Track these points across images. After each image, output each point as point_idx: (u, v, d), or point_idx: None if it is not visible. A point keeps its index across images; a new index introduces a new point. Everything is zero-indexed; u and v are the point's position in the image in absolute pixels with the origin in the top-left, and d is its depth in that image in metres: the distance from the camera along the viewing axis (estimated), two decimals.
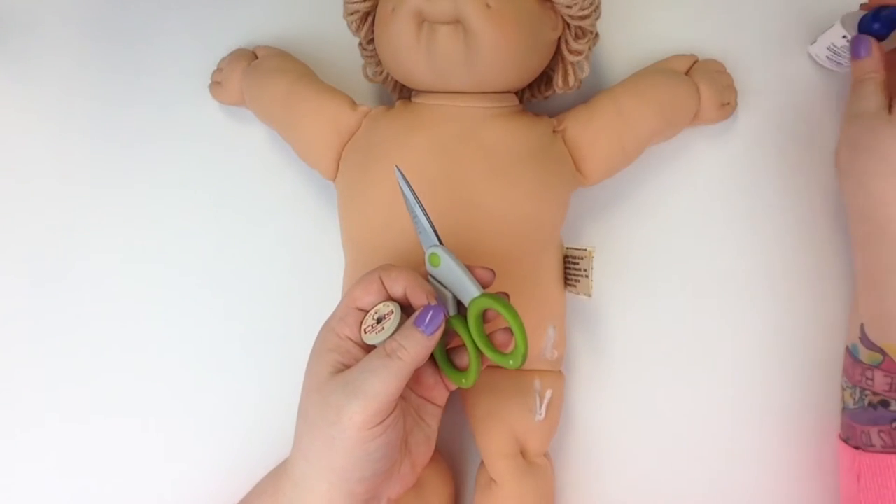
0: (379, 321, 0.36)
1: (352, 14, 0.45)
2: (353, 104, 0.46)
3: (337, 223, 0.46)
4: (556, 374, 0.46)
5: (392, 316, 0.35)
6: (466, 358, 0.38)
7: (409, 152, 0.42)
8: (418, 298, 0.35)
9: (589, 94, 0.48)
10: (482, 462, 0.44)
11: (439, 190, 0.41)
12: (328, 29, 0.51)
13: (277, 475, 0.39)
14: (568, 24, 0.44)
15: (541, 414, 0.40)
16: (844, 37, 0.49)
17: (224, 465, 0.49)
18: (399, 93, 0.50)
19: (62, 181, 0.53)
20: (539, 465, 0.44)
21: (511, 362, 0.36)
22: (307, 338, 0.49)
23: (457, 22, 0.39)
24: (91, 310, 0.51)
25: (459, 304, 0.37)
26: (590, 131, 0.45)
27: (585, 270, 0.42)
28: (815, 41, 0.53)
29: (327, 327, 0.37)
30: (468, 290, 0.36)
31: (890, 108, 0.42)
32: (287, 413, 0.49)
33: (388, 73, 0.48)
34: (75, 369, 0.50)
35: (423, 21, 0.40)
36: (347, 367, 0.35)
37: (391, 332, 0.35)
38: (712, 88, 0.49)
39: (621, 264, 0.50)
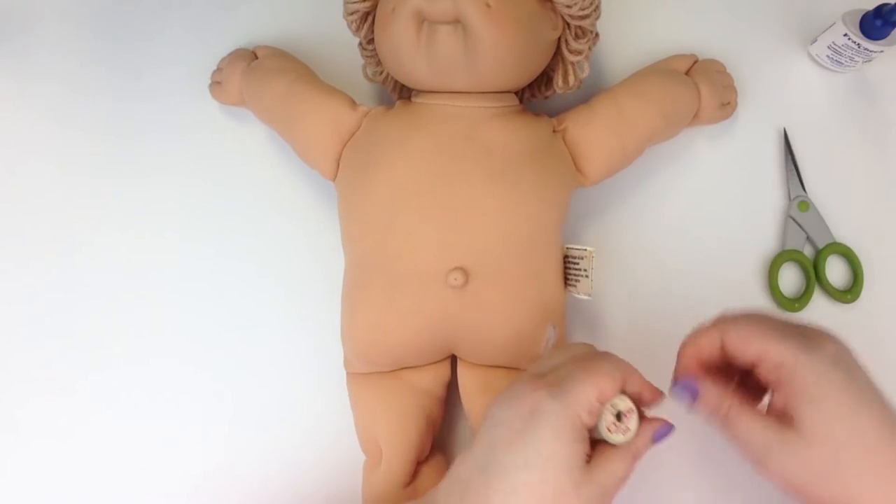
0: (619, 417, 0.33)
1: (352, 14, 0.45)
2: (353, 104, 0.46)
3: (337, 223, 0.46)
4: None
5: (632, 415, 0.33)
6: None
7: (409, 152, 0.42)
8: (651, 398, 0.34)
9: (589, 94, 0.48)
10: None
11: (439, 190, 0.41)
12: (328, 29, 0.51)
13: None
14: (568, 24, 0.44)
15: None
16: (846, 35, 0.49)
17: (224, 466, 0.49)
18: (399, 93, 0.50)
19: (62, 180, 0.53)
20: None
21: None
22: (307, 337, 0.49)
23: (457, 22, 0.39)
24: (90, 309, 0.51)
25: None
26: (590, 131, 0.45)
27: (585, 270, 0.42)
28: (815, 40, 0.53)
29: (573, 412, 0.31)
30: None
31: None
32: (287, 412, 0.49)
33: (388, 73, 0.48)
34: (73, 366, 0.50)
35: (423, 21, 0.40)
36: (588, 457, 0.32)
37: (635, 431, 0.33)
38: (712, 88, 0.49)
39: (621, 264, 0.50)
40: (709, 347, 0.35)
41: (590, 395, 0.32)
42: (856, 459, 0.31)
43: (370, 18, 0.45)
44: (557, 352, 0.36)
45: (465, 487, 0.32)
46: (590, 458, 0.32)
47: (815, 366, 0.32)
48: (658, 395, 0.34)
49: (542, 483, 0.30)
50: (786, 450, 0.32)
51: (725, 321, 0.35)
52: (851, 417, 0.32)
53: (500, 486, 0.31)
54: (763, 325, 0.34)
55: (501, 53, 0.41)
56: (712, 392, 0.34)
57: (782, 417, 0.33)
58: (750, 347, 0.33)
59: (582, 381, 0.32)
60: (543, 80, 0.48)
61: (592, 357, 0.34)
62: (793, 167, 0.52)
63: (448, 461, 0.46)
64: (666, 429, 0.34)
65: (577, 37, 0.44)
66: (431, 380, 0.45)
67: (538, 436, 0.31)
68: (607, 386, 0.32)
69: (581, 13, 0.42)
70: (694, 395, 0.35)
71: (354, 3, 0.44)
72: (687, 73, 0.50)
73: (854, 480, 0.31)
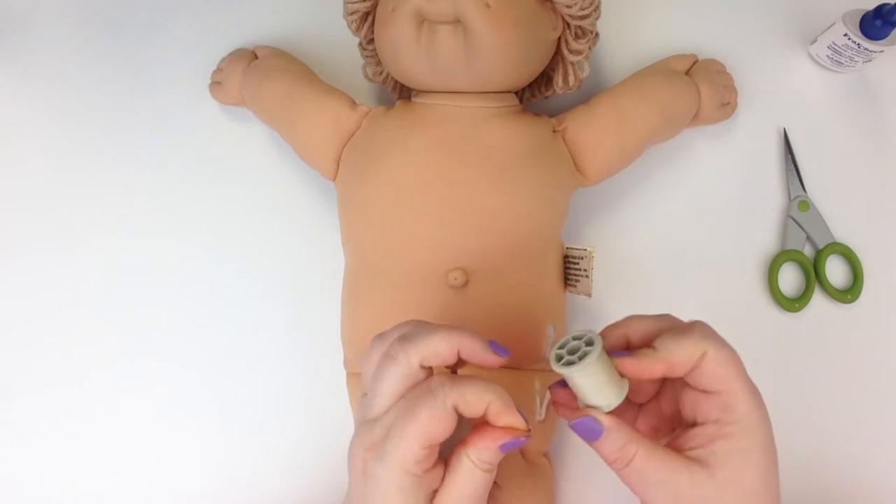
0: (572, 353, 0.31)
1: (352, 14, 0.45)
2: (353, 104, 0.46)
3: (337, 223, 0.46)
4: (556, 374, 0.45)
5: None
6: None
7: (409, 152, 0.42)
8: (502, 420, 0.31)
9: (589, 94, 0.48)
10: None
11: (439, 190, 0.41)
12: (328, 29, 0.51)
13: None
14: (568, 24, 0.44)
15: (541, 414, 0.40)
16: (846, 35, 0.49)
17: (224, 466, 0.49)
18: (399, 93, 0.50)
19: (61, 180, 0.52)
20: (539, 465, 0.44)
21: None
22: (307, 337, 0.49)
23: (457, 22, 0.39)
24: (87, 309, 0.51)
25: None
26: (590, 131, 0.45)
27: (585, 270, 0.42)
28: (815, 40, 0.53)
29: (402, 471, 0.29)
30: None
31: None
32: (287, 411, 0.49)
33: (388, 73, 0.48)
34: (70, 366, 0.50)
35: (423, 21, 0.40)
36: (434, 491, 0.31)
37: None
38: (712, 88, 0.49)
39: (621, 264, 0.50)
40: (689, 360, 0.31)
41: (414, 449, 0.29)
42: None
43: (370, 18, 0.45)
44: (385, 373, 0.31)
45: None
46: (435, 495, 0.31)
47: (763, 432, 0.31)
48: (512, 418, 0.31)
49: None
50: (695, 486, 0.30)
51: (711, 339, 0.32)
52: (765, 483, 0.31)
53: None
54: (739, 366, 0.32)
55: (501, 53, 0.41)
56: (621, 432, 0.31)
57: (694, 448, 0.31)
58: (725, 381, 0.31)
59: (402, 439, 0.29)
60: (543, 80, 0.48)
61: (414, 397, 0.30)
62: (793, 167, 0.52)
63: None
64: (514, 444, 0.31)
65: (577, 37, 0.44)
66: None
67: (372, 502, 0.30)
68: (436, 430, 0.29)
69: (581, 13, 0.42)
70: (594, 434, 0.31)
71: (354, 3, 0.44)
72: (687, 73, 0.50)
73: None
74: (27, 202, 0.52)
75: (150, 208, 0.52)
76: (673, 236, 0.51)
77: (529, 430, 0.31)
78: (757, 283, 0.51)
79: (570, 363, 0.31)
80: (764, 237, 0.51)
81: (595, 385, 0.31)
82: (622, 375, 0.32)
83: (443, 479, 0.31)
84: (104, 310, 0.51)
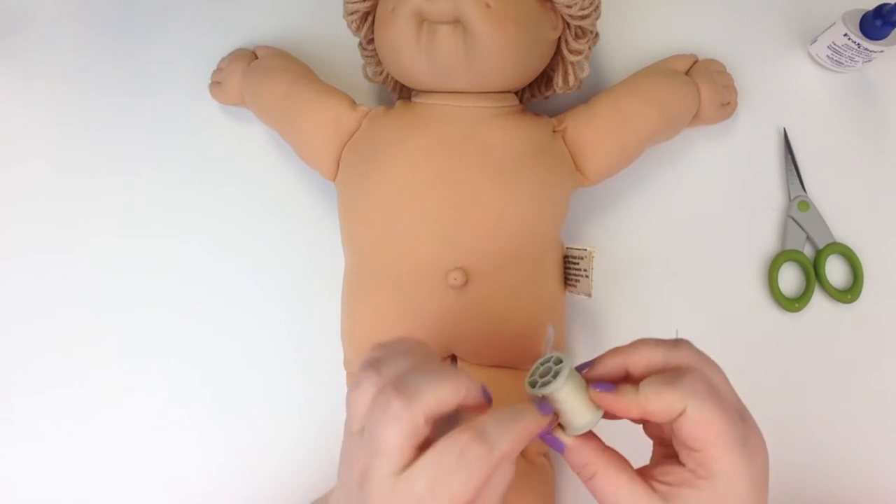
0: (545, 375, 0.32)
1: (352, 14, 0.45)
2: (353, 104, 0.46)
3: (337, 223, 0.46)
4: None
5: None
6: None
7: (409, 152, 0.42)
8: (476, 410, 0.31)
9: (589, 94, 0.48)
10: None
11: (439, 190, 0.41)
12: (328, 29, 0.51)
13: None
14: (568, 24, 0.44)
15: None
16: (846, 35, 0.49)
17: (223, 466, 0.49)
18: (399, 93, 0.50)
19: (61, 180, 0.52)
20: (539, 465, 0.44)
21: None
22: (307, 337, 0.49)
23: (457, 22, 0.39)
24: (87, 308, 0.51)
25: None
26: (590, 131, 0.45)
27: (585, 270, 0.42)
28: (815, 40, 0.53)
29: (379, 481, 0.29)
30: None
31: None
32: (287, 411, 0.49)
33: (388, 73, 0.48)
34: (69, 365, 0.50)
35: (423, 21, 0.40)
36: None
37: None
38: (712, 88, 0.49)
39: (621, 264, 0.50)
40: (667, 413, 0.30)
41: (403, 443, 0.28)
42: None
43: (370, 18, 0.45)
44: (389, 428, 0.29)
45: None
46: None
47: (743, 487, 0.30)
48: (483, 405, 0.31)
49: None
50: None
51: (695, 394, 0.30)
52: None
53: None
54: (721, 425, 0.29)
55: (501, 53, 0.41)
56: (581, 452, 0.31)
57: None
58: (700, 441, 0.30)
59: (392, 434, 0.28)
60: (543, 80, 0.48)
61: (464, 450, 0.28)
62: (793, 167, 0.52)
63: None
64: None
65: (577, 37, 0.44)
66: None
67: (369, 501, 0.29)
68: (417, 425, 0.28)
69: (581, 13, 0.42)
70: (559, 448, 0.32)
71: (354, 3, 0.44)
72: (687, 73, 0.50)
73: None
74: (27, 202, 0.52)
75: (150, 208, 0.52)
76: (673, 236, 0.51)
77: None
78: (757, 283, 0.51)
79: (544, 384, 0.31)
80: (764, 237, 0.51)
81: (568, 407, 0.31)
82: (598, 406, 0.31)
83: None
84: (104, 309, 0.51)
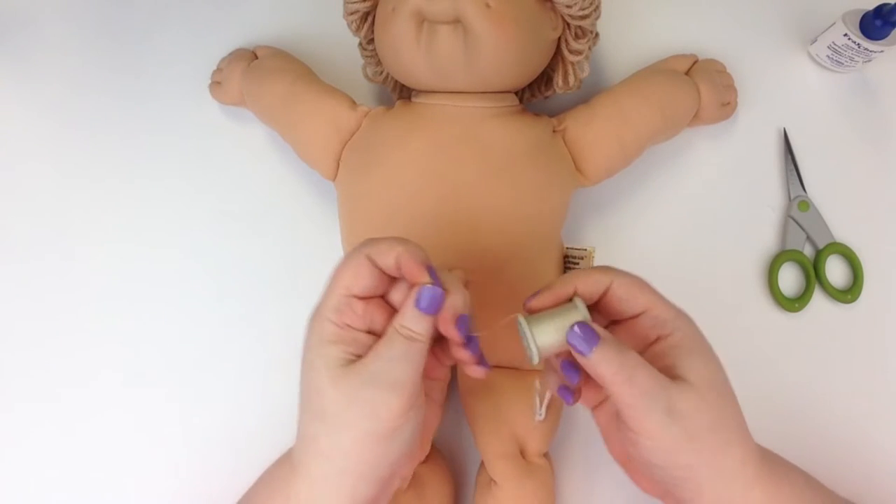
0: None
1: (352, 14, 0.45)
2: (353, 104, 0.46)
3: (337, 223, 0.46)
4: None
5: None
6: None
7: (409, 152, 0.42)
8: (412, 273, 0.33)
9: (589, 94, 0.48)
10: (482, 462, 0.44)
11: (439, 190, 0.41)
12: (328, 29, 0.51)
13: (285, 479, 0.37)
14: (568, 24, 0.44)
15: (541, 414, 0.40)
16: (846, 35, 0.49)
17: (223, 469, 0.49)
18: (399, 93, 0.50)
19: (60, 179, 0.53)
20: (539, 465, 0.44)
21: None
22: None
23: (457, 22, 0.39)
24: (88, 310, 0.51)
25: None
26: (590, 131, 0.45)
27: None
28: (815, 41, 0.53)
29: (321, 318, 0.34)
30: None
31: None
32: (286, 412, 0.49)
33: (388, 73, 0.48)
34: (69, 366, 0.50)
35: (423, 21, 0.40)
36: (359, 356, 0.33)
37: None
38: (712, 88, 0.49)
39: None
40: (595, 286, 0.35)
41: (336, 294, 0.33)
42: (733, 411, 0.34)
43: (370, 18, 0.45)
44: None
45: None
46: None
47: (693, 326, 0.35)
48: (414, 271, 0.33)
49: (306, 383, 0.35)
50: (682, 396, 0.32)
51: (616, 271, 0.35)
52: (724, 377, 0.34)
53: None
54: (648, 285, 0.35)
55: (501, 53, 0.41)
56: (613, 341, 0.33)
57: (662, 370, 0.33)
58: (641, 297, 0.34)
59: (326, 290, 0.34)
60: (543, 80, 0.48)
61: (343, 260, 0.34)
62: (793, 167, 0.52)
63: (448, 462, 0.46)
64: (422, 296, 0.32)
65: (577, 37, 0.44)
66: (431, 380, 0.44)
67: (305, 353, 0.35)
68: (350, 281, 0.33)
69: (581, 13, 0.42)
70: (593, 341, 0.33)
71: (354, 3, 0.44)
72: (687, 73, 0.50)
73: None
74: (27, 202, 0.52)
75: (149, 208, 0.52)
76: (673, 236, 0.51)
77: (434, 282, 0.33)
78: (757, 283, 0.51)
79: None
80: (764, 237, 0.51)
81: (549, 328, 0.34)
82: (537, 309, 0.35)
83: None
84: (104, 310, 0.51)
